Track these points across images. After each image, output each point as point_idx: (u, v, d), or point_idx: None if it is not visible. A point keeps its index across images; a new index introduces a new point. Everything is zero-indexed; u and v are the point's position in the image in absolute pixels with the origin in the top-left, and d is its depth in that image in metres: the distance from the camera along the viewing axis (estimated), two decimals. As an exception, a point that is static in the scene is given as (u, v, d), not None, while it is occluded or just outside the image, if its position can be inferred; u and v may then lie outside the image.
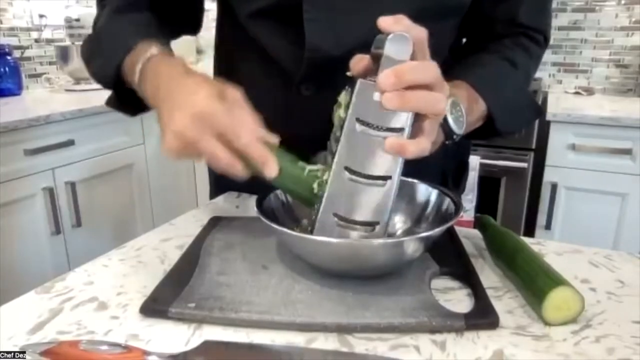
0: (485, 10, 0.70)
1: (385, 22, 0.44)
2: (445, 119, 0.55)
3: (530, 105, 0.74)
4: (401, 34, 0.43)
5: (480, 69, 0.68)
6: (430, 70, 0.45)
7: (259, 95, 0.53)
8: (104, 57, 0.64)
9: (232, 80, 0.52)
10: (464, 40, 0.78)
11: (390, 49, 0.43)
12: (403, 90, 0.43)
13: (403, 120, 0.45)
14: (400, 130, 0.45)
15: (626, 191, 1.75)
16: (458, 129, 0.57)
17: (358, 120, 0.46)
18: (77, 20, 2.35)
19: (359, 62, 0.48)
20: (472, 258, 0.57)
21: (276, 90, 0.70)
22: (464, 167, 0.88)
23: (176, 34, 0.77)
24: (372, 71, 0.46)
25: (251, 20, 0.67)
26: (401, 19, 0.44)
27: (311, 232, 0.50)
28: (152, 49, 0.58)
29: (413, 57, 0.44)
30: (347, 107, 0.47)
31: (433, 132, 0.47)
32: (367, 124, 0.46)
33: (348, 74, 0.49)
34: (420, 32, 0.44)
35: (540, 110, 0.76)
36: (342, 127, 0.47)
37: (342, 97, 0.49)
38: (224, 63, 0.80)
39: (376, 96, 0.44)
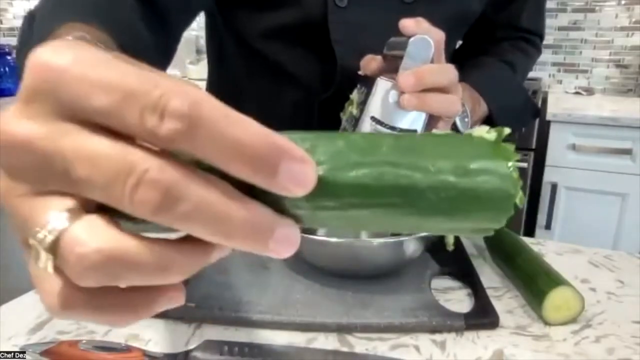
0: (487, 15, 0.71)
1: (406, 23, 0.44)
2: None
3: (529, 106, 0.76)
4: (423, 37, 0.44)
5: (482, 71, 0.70)
6: (448, 73, 0.45)
7: (273, 111, 0.51)
8: (32, 44, 0.32)
9: (239, 102, 0.49)
10: (460, 42, 0.79)
11: (412, 51, 0.44)
12: (422, 92, 0.43)
13: (418, 121, 0.45)
14: (414, 131, 0.46)
15: (626, 191, 1.75)
16: (463, 129, 0.58)
17: (373, 118, 0.46)
18: (77, 20, 2.35)
19: (370, 62, 0.48)
20: (472, 258, 0.57)
21: (294, 103, 0.66)
22: None
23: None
24: (384, 71, 0.46)
25: (263, 38, 0.63)
26: (421, 21, 0.44)
27: None
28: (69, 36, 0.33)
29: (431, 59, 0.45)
30: (360, 105, 0.47)
31: None
32: (381, 123, 0.46)
33: (359, 72, 0.49)
34: (438, 34, 0.45)
35: (538, 111, 0.79)
36: (354, 125, 0.47)
37: (355, 95, 0.50)
38: (226, 85, 0.72)
39: (394, 96, 0.44)
